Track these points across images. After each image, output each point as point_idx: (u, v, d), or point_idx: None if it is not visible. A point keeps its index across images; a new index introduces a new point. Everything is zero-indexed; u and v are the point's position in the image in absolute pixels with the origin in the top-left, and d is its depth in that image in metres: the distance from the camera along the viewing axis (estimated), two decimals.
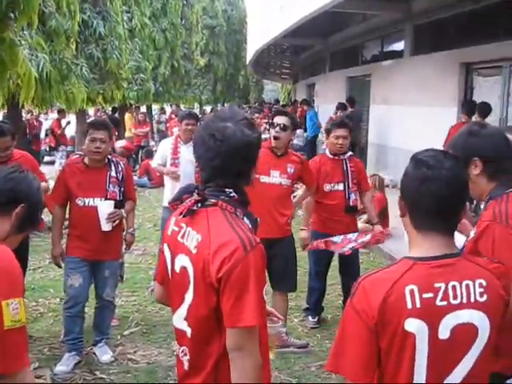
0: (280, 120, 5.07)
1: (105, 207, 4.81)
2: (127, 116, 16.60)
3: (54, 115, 19.76)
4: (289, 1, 16.28)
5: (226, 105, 38.73)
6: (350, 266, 5.86)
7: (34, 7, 4.31)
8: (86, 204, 4.82)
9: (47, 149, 18.27)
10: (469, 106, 9.24)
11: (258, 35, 22.98)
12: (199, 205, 2.15)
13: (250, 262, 2.02)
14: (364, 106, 16.28)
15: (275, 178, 5.07)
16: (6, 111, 10.26)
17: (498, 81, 10.16)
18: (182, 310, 2.20)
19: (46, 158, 17.79)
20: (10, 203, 2.31)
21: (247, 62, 31.83)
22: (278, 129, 5.02)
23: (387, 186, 10.95)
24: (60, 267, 5.13)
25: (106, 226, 4.80)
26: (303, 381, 4.70)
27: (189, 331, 2.18)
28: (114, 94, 14.18)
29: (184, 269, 2.16)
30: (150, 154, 14.44)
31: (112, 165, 4.96)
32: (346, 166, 5.70)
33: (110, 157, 5.00)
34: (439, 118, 11.40)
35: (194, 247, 2.10)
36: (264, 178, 5.00)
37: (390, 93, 14.18)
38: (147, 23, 18.95)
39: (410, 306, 1.81)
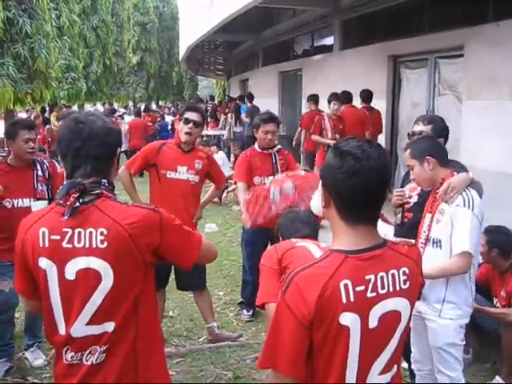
0: (193, 116, 5.05)
1: (38, 207, 4.70)
2: (52, 115, 16.18)
3: None
4: None
5: (160, 102, 38.48)
6: None
7: None
8: (15, 205, 4.71)
9: None
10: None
11: (190, 31, 22.88)
12: (80, 200, 2.15)
13: (167, 216, 2.26)
14: (296, 101, 16.45)
15: (183, 173, 5.04)
16: None
17: (423, 73, 10.42)
18: (84, 316, 2.18)
19: None
20: None
21: (180, 59, 31.65)
22: (191, 125, 5.00)
23: None
24: None
25: None
26: (239, 373, 4.73)
27: (108, 326, 2.19)
28: (44, 94, 13.88)
29: (85, 270, 2.15)
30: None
31: (37, 164, 4.87)
32: (275, 159, 5.77)
33: (34, 157, 4.91)
34: None
35: (101, 242, 2.13)
36: (171, 174, 5.00)
37: (320, 87, 14.35)
38: (76, 21, 18.64)
39: (344, 300, 1.82)
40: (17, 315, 4.98)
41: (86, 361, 2.21)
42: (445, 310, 3.46)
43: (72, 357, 2.23)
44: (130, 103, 37.83)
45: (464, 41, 8.74)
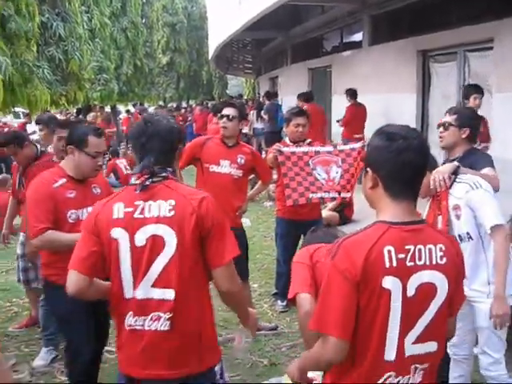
0: (226, 111, 5.24)
1: None
2: (92, 115, 16.44)
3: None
4: None
5: (190, 102, 38.71)
6: None
7: None
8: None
9: None
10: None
11: (219, 30, 23.05)
12: (150, 180, 2.52)
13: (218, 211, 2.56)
14: (326, 97, 16.50)
15: (225, 167, 5.19)
16: None
17: (453, 66, 10.42)
18: (149, 278, 2.49)
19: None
20: None
21: (209, 58, 31.84)
22: (225, 119, 5.20)
23: None
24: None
25: None
26: (274, 360, 4.88)
27: (168, 293, 2.49)
28: (77, 95, 14.10)
29: (153, 237, 2.48)
30: (116, 154, 14.45)
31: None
32: None
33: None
34: (399, 105, 11.70)
35: (169, 211, 2.48)
36: (214, 168, 5.17)
37: (350, 83, 14.39)
38: (107, 23, 18.88)
39: (387, 264, 2.00)
40: None
41: (149, 326, 2.50)
42: (492, 290, 3.51)
43: (135, 321, 2.51)
44: (161, 103, 38.08)
45: (493, 34, 8.75)
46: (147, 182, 2.50)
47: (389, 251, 2.01)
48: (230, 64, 34.60)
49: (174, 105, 31.91)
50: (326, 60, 17.16)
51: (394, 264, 2.01)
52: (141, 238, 2.48)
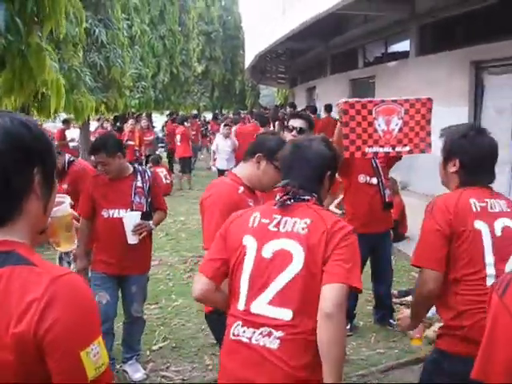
0: (296, 123, 4.88)
1: (131, 219, 4.57)
2: (131, 122, 16.10)
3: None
4: (291, 4, 16.15)
5: (223, 111, 38.64)
6: (383, 273, 5.77)
7: (61, 10, 4.12)
8: (111, 215, 4.61)
9: None
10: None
11: (259, 40, 22.84)
12: (292, 200, 2.48)
13: (354, 239, 2.39)
14: None
15: None
16: None
17: (509, 78, 10.03)
18: (268, 294, 2.34)
19: None
20: None
21: (245, 68, 31.70)
22: (294, 132, 4.80)
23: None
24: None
25: (132, 239, 4.57)
26: None
27: (285, 313, 2.29)
28: (118, 103, 13.99)
29: (280, 251, 2.38)
30: (157, 162, 14.21)
31: (138, 174, 4.74)
32: (375, 161, 5.56)
33: (136, 166, 4.82)
34: (449, 118, 11.25)
35: (303, 228, 2.39)
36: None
37: (395, 94, 14.01)
38: (146, 30, 18.79)
39: (474, 209, 2.76)
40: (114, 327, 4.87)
41: (256, 340, 2.31)
42: None
43: (244, 332, 2.35)
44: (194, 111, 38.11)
45: None
46: (288, 202, 2.48)
47: (473, 201, 2.78)
48: (263, 74, 34.46)
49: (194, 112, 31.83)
50: (369, 71, 16.78)
51: (479, 209, 2.76)
52: (269, 250, 2.40)
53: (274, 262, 2.37)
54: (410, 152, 5.24)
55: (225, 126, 14.13)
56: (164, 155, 18.31)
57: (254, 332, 2.32)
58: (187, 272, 7.75)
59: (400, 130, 5.16)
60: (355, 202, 5.60)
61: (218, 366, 4.82)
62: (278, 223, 2.44)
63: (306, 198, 2.50)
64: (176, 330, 5.76)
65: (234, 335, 2.37)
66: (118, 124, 17.68)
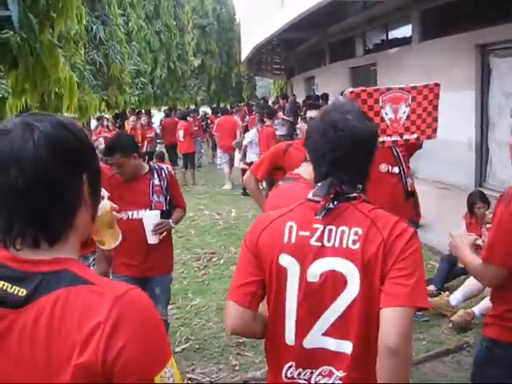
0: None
1: (150, 218, 4.42)
2: (132, 119, 15.86)
3: None
4: None
5: (221, 104, 38.42)
6: None
7: (73, 6, 3.97)
8: (130, 217, 4.45)
9: None
10: None
11: (255, 32, 22.66)
12: (335, 202, 1.95)
13: (418, 244, 1.92)
14: None
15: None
16: None
17: None
18: (322, 325, 1.93)
19: None
20: None
21: (242, 60, 31.52)
22: None
23: None
24: None
25: (152, 239, 4.42)
26: None
27: (345, 345, 1.90)
28: (118, 100, 13.84)
29: (331, 272, 1.91)
30: (161, 158, 14.05)
31: (155, 172, 4.59)
32: (396, 150, 5.43)
33: (152, 164, 4.67)
34: (456, 103, 11.14)
35: (354, 242, 1.89)
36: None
37: (399, 81, 13.86)
38: (143, 26, 18.61)
39: None
40: None
41: (316, 382, 1.94)
42: None
43: (299, 374, 1.97)
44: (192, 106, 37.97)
45: None
46: (331, 205, 1.93)
47: None
48: (259, 66, 34.30)
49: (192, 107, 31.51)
50: (369, 58, 16.62)
51: None
52: (315, 272, 1.92)
53: (324, 287, 1.91)
54: (418, 139, 5.15)
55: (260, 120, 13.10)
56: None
57: (313, 373, 1.95)
58: (201, 269, 7.62)
59: (407, 117, 5.07)
60: (377, 191, 5.46)
61: (245, 365, 4.73)
62: (321, 235, 1.93)
63: (353, 195, 1.98)
64: (198, 331, 5.63)
65: (286, 377, 1.99)
66: (118, 122, 17.49)
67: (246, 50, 26.96)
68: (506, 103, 10.20)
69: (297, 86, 28.66)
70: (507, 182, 9.78)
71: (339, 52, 20.01)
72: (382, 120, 4.93)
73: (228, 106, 28.29)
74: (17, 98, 4.22)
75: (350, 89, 5.08)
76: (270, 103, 22.52)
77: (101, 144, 12.97)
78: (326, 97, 15.99)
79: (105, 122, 16.27)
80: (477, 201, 6.48)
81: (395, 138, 4.98)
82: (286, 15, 15.87)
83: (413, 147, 5.52)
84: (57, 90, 4.81)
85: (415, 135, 5.03)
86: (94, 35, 12.87)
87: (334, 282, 1.90)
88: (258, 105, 19.17)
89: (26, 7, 3.59)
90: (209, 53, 35.72)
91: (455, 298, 5.73)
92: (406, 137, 5.02)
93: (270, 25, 18.95)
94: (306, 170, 3.10)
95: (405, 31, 14.35)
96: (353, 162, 1.99)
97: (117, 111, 16.91)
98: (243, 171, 11.23)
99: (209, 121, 21.91)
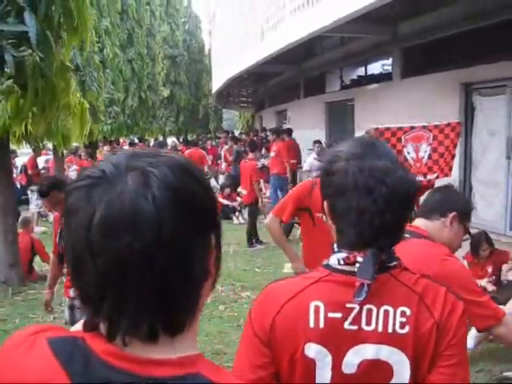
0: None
1: None
2: (106, 149, 15.58)
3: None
4: (269, 28, 15.92)
5: (188, 136, 38.20)
6: None
7: (89, 25, 3.66)
8: None
9: (18, 186, 16.88)
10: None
11: (229, 64, 22.53)
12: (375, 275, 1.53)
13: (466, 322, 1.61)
14: (347, 131, 15.94)
15: None
16: None
17: (501, 100, 9.91)
18: None
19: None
20: None
21: (213, 92, 31.42)
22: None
23: None
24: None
25: None
26: None
27: None
28: (93, 129, 13.45)
29: (372, 362, 1.54)
30: None
31: None
32: None
33: None
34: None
35: (402, 325, 1.52)
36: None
37: (378, 118, 13.81)
38: (117, 53, 18.31)
39: None
40: None
41: None
42: None
43: None
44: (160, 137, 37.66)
45: None
46: (370, 281, 1.52)
47: None
48: (227, 98, 34.23)
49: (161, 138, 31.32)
50: (347, 93, 16.58)
51: None
52: (352, 361, 1.54)
53: (364, 379, 1.55)
54: (437, 178, 5.02)
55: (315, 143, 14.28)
56: None
57: None
58: None
59: (429, 156, 4.97)
60: None
61: None
62: (358, 317, 1.54)
63: (394, 263, 1.59)
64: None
65: None
66: (89, 151, 17.01)
67: (216, 81, 26.81)
68: (490, 141, 10.18)
69: (267, 119, 28.56)
70: (489, 221, 9.71)
71: (315, 86, 19.96)
72: (405, 160, 4.77)
73: (195, 137, 28.12)
74: (17, 123, 3.82)
75: (375, 126, 4.92)
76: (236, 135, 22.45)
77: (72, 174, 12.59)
78: (290, 131, 16.62)
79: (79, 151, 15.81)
80: (483, 243, 6.36)
81: (420, 178, 4.84)
82: (266, 49, 15.76)
83: (426, 188, 5.34)
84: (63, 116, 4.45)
85: (436, 174, 4.89)
86: (70, 61, 12.52)
87: (377, 374, 1.55)
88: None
89: (39, 22, 3.24)
90: (178, 83, 35.59)
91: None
92: (429, 177, 4.88)
93: (246, 57, 18.83)
94: (426, 226, 2.71)
95: (385, 67, 14.36)
96: (400, 223, 1.60)
97: (89, 140, 16.48)
98: None
99: (180, 152, 21.58)
